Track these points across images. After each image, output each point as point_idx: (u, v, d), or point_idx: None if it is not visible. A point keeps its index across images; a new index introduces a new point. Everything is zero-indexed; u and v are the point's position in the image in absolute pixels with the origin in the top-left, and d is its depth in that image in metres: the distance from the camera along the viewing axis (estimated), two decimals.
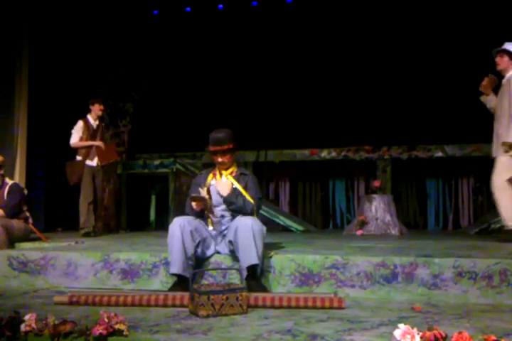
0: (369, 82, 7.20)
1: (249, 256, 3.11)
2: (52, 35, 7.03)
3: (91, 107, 5.93)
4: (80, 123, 5.86)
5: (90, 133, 5.88)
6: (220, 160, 3.48)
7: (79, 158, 5.86)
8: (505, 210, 4.31)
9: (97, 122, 5.95)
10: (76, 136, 5.82)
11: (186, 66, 7.83)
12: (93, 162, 5.83)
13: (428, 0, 7.05)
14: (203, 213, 3.43)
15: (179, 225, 3.24)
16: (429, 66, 7.08)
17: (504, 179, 4.27)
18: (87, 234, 5.66)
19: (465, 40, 6.83)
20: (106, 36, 7.56)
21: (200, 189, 3.41)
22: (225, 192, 3.34)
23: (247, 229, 3.14)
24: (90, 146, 5.81)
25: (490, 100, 4.54)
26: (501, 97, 4.37)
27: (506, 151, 4.26)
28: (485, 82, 4.47)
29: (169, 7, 7.83)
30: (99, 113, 5.93)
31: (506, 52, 4.40)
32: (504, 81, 4.42)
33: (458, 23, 6.92)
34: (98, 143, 5.84)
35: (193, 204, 3.36)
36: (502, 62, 4.40)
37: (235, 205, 3.33)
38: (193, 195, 3.40)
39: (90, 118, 5.92)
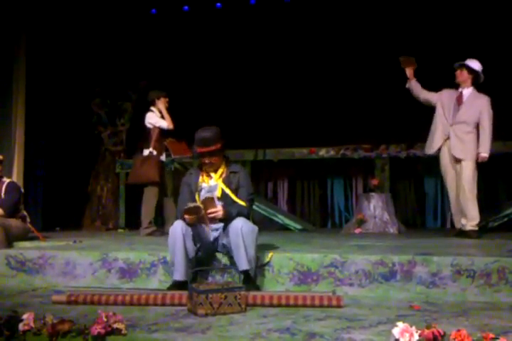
0: (367, 80, 7.18)
1: (239, 261, 3.12)
2: (50, 34, 7.01)
3: (157, 101, 5.73)
4: (153, 113, 5.66)
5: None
6: (207, 161, 3.34)
7: (154, 152, 5.57)
8: (472, 212, 4.69)
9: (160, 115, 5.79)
10: (161, 119, 5.60)
11: (184, 65, 7.81)
12: (163, 157, 5.66)
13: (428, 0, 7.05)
14: (196, 224, 3.25)
15: (181, 229, 3.17)
16: (427, 64, 7.07)
17: (470, 180, 4.70)
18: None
19: (464, 40, 6.83)
20: (104, 35, 7.54)
21: (193, 203, 3.20)
22: (220, 215, 3.24)
23: (237, 232, 3.12)
24: (163, 141, 5.60)
25: (415, 86, 4.96)
26: (468, 109, 4.74)
27: (482, 161, 4.71)
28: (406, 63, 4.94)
29: (167, 6, 7.81)
30: (167, 105, 5.74)
31: (466, 67, 4.79)
32: (467, 95, 4.82)
33: (454, 25, 6.93)
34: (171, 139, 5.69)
35: (186, 217, 3.17)
36: (461, 75, 4.82)
37: (231, 218, 3.25)
38: (188, 206, 3.16)
39: (156, 111, 5.72)
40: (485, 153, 4.70)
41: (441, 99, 4.91)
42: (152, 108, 5.73)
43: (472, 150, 4.74)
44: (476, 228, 4.71)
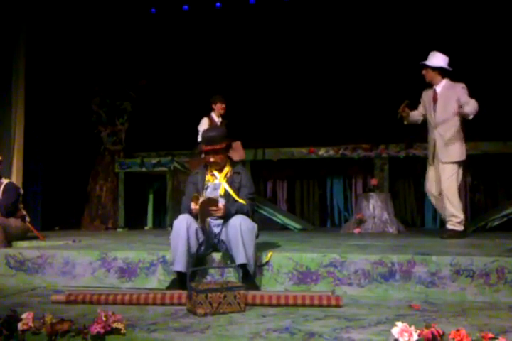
0: (367, 79, 7.19)
1: (237, 255, 3.14)
2: (49, 34, 7.00)
3: (213, 106, 6.10)
4: (205, 120, 5.99)
5: None
6: (212, 159, 3.44)
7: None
8: (455, 212, 4.60)
9: (220, 119, 6.11)
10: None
11: (184, 64, 7.81)
12: None
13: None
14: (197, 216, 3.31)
15: (186, 222, 3.22)
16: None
17: (452, 182, 4.58)
18: None
19: (466, 39, 6.84)
20: (103, 34, 7.54)
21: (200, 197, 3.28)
22: (221, 213, 3.27)
23: (236, 228, 3.16)
24: None
25: (412, 116, 4.83)
26: (444, 104, 4.62)
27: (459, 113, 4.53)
28: (404, 110, 4.71)
29: (167, 5, 7.81)
30: (222, 111, 6.09)
31: (426, 66, 4.69)
32: (441, 90, 4.69)
33: (456, 24, 6.93)
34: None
35: (192, 204, 3.25)
36: (427, 75, 4.72)
37: (231, 215, 3.29)
38: (195, 194, 3.29)
39: (214, 116, 6.08)
40: (463, 110, 4.50)
41: (424, 103, 4.84)
42: (212, 113, 6.11)
43: (456, 152, 4.62)
44: (459, 228, 4.63)
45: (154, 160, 7.13)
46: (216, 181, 3.49)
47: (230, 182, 3.47)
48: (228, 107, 6.46)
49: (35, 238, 5.00)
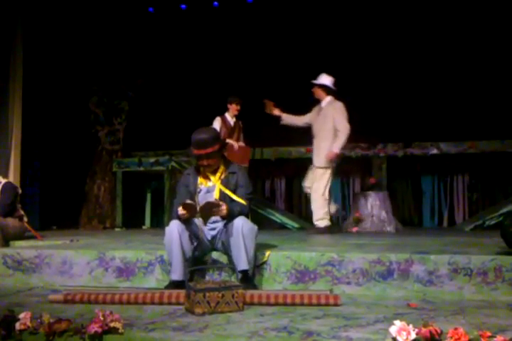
0: (364, 79, 7.19)
1: (240, 260, 3.11)
2: (46, 33, 6.98)
3: (229, 106, 6.16)
4: (218, 120, 6.05)
5: (228, 130, 6.07)
6: (205, 163, 3.28)
7: None
8: (317, 211, 5.43)
9: (234, 120, 6.18)
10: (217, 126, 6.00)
11: (182, 64, 7.80)
12: None
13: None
14: (189, 220, 3.25)
15: (177, 229, 3.15)
16: (422, 63, 7.09)
17: (320, 185, 5.34)
18: None
19: (465, 38, 6.85)
20: (101, 33, 7.52)
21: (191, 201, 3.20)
22: (223, 213, 3.18)
23: (238, 231, 3.12)
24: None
25: (289, 119, 5.65)
26: (324, 118, 5.40)
27: (331, 160, 5.33)
28: (267, 108, 5.65)
29: (164, 4, 7.80)
30: (236, 112, 6.16)
31: (316, 84, 5.48)
32: (324, 105, 5.49)
33: (458, 22, 6.94)
34: (231, 141, 5.96)
35: (180, 210, 3.12)
36: (316, 92, 5.54)
37: (233, 216, 3.23)
38: (187, 202, 3.16)
39: (228, 116, 6.14)
40: (334, 150, 5.29)
41: (312, 115, 5.55)
42: (226, 113, 6.17)
43: (326, 159, 5.33)
44: (322, 224, 5.39)
45: (152, 160, 7.12)
46: (210, 183, 3.35)
47: (225, 183, 3.32)
48: (226, 106, 6.47)
49: (33, 237, 4.99)
